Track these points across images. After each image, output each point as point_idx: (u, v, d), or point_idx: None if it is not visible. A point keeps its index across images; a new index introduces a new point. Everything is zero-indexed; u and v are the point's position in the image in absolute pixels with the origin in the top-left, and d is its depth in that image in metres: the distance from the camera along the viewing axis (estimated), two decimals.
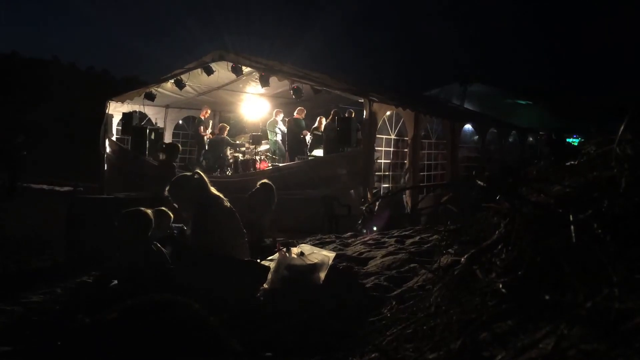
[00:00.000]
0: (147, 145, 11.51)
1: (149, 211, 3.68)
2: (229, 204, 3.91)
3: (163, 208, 4.29)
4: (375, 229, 6.78)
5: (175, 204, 3.97)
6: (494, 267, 1.61)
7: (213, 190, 3.91)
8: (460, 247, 2.10)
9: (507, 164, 12.27)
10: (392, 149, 9.62)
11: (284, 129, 11.98)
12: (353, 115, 10.17)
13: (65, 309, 3.67)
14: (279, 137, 12.03)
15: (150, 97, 11.43)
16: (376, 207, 7.33)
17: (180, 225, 4.44)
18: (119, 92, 12.00)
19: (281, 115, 12.07)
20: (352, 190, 8.41)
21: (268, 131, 12.32)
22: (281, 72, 10.08)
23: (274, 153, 12.26)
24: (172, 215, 4.34)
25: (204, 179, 3.90)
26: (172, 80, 11.07)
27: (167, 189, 3.87)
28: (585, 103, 22.78)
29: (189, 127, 14.17)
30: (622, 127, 1.53)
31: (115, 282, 3.50)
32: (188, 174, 4.08)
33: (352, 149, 9.24)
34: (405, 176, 9.53)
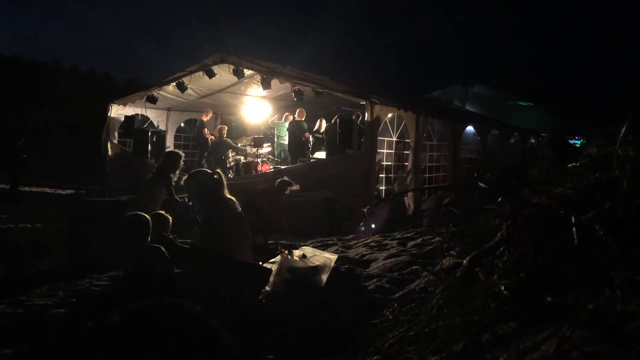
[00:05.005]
0: (149, 148, 11.54)
1: (148, 215, 3.71)
2: (240, 208, 3.93)
3: (162, 212, 4.33)
4: (376, 230, 6.78)
5: (187, 193, 4.04)
6: (495, 269, 1.61)
7: (226, 193, 3.92)
8: (462, 249, 2.10)
9: (509, 166, 12.26)
10: (393, 151, 9.62)
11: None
12: (360, 119, 10.15)
13: (68, 311, 3.68)
14: (285, 140, 12.03)
15: (152, 100, 11.45)
16: (378, 209, 7.33)
17: (186, 199, 4.49)
18: (121, 95, 12.03)
19: (291, 118, 12.04)
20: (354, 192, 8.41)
21: (276, 135, 12.29)
22: (282, 74, 10.08)
23: (278, 155, 12.23)
24: (170, 219, 4.38)
25: (222, 181, 3.90)
26: (174, 83, 11.10)
27: (184, 178, 3.93)
28: (587, 105, 22.74)
29: (191, 130, 14.19)
30: (623, 129, 1.53)
31: (117, 285, 3.51)
32: (208, 170, 4.11)
33: (354, 151, 9.24)
34: (407, 178, 9.54)
